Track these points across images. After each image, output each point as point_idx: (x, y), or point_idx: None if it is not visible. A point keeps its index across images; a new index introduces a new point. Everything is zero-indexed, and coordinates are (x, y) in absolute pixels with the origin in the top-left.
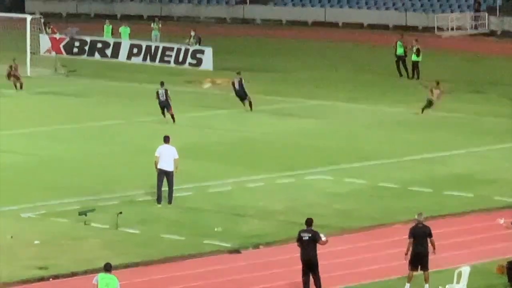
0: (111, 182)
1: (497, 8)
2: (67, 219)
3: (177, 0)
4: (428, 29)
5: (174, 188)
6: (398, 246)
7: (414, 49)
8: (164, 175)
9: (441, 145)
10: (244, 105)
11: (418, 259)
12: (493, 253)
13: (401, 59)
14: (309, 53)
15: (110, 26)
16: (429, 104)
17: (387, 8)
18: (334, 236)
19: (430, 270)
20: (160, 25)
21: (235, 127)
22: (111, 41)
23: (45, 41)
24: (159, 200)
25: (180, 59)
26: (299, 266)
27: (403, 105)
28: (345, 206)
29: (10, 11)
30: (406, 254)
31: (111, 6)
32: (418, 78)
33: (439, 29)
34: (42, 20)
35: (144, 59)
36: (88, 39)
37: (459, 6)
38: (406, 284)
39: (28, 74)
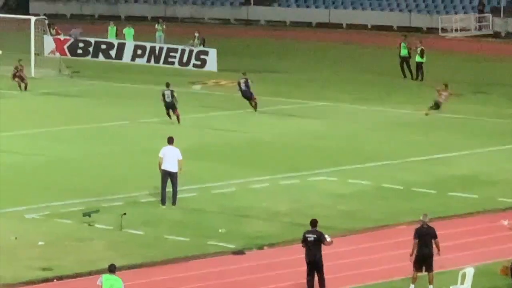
0: (115, 183)
1: (501, 9)
2: (71, 220)
3: (181, 2)
4: (432, 30)
5: (178, 189)
6: (402, 247)
7: (418, 50)
8: (168, 176)
9: (445, 146)
10: (251, 105)
11: (423, 260)
12: (497, 254)
13: (405, 60)
14: (313, 54)
15: (114, 27)
16: (437, 106)
17: (391, 9)
18: (338, 237)
19: (434, 271)
20: (164, 26)
21: (239, 128)
22: (115, 42)
23: (49, 42)
24: (163, 201)
25: (184, 60)
26: (304, 267)
27: (407, 106)
28: (349, 207)
29: (14, 12)
30: (411, 255)
31: (115, 7)
32: (422, 79)
33: (443, 30)
34: (46, 21)
35: (148, 60)
36: (92, 40)
37: (463, 8)
38: (411, 285)
39: (32, 75)
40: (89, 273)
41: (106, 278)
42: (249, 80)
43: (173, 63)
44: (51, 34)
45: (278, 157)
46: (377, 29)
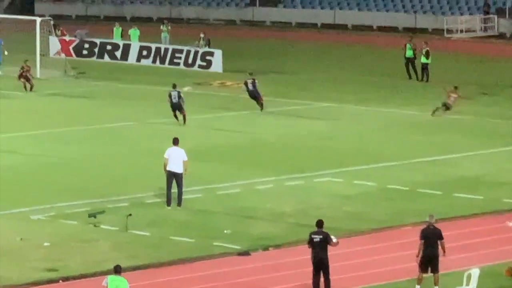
0: (120, 184)
1: (507, 10)
2: (76, 221)
3: (187, 3)
4: (437, 32)
5: (183, 190)
6: (407, 248)
7: (424, 51)
8: (173, 177)
9: (451, 147)
10: (258, 105)
11: (429, 261)
12: (503, 255)
13: (410, 61)
14: (319, 55)
15: (120, 28)
16: (446, 108)
17: (396, 10)
18: (343, 238)
19: (439, 272)
20: (169, 27)
21: (244, 129)
22: (121, 43)
23: (54, 43)
24: (168, 202)
25: (190, 61)
26: (309, 268)
27: (413, 107)
28: (354, 208)
29: (20, 13)
30: (417, 256)
31: (120, 8)
32: (427, 80)
33: (449, 31)
34: (52, 22)
35: (154, 61)
36: (97, 41)
37: (468, 9)
38: (416, 286)
39: (38, 76)
40: (95, 274)
41: (111, 279)
42: (256, 80)
43: (178, 64)
44: (56, 35)
45: (283, 158)
46: (382, 30)
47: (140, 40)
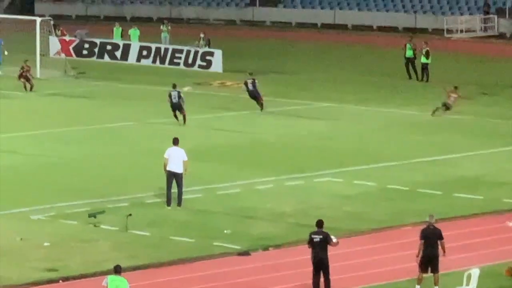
0: (120, 184)
1: (507, 10)
2: (76, 221)
3: (187, 3)
4: (437, 32)
5: (183, 190)
6: (407, 248)
7: (424, 51)
8: (173, 177)
9: (451, 147)
10: (258, 105)
11: (429, 261)
12: (503, 255)
13: (410, 61)
14: (319, 55)
15: (120, 28)
16: (446, 108)
17: (396, 10)
18: (343, 238)
19: (439, 272)
20: (169, 27)
21: (244, 129)
22: (121, 43)
23: (54, 43)
24: (168, 202)
25: (190, 61)
26: (309, 268)
27: (413, 107)
28: (354, 208)
29: (20, 13)
30: (417, 256)
31: (120, 8)
32: (427, 80)
33: (449, 31)
34: (52, 22)
35: (154, 61)
36: (97, 41)
37: (468, 9)
38: (416, 286)
39: (38, 76)
40: (95, 274)
41: (111, 279)
42: (256, 80)
43: (178, 64)
44: (56, 35)
45: (283, 158)
46: (382, 30)
47: (140, 40)
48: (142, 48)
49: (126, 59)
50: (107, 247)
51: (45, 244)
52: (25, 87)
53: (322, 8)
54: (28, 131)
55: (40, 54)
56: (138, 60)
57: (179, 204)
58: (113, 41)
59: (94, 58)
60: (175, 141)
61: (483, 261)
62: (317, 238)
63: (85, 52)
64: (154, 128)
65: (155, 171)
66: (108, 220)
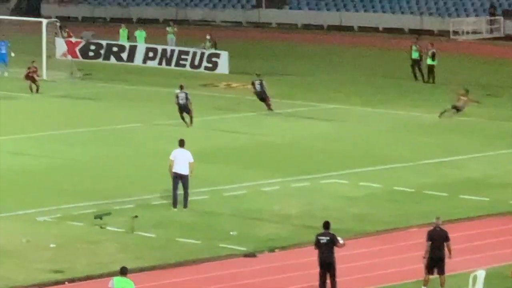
0: (126, 185)
1: None
2: (83, 223)
3: (193, 4)
4: (443, 33)
5: (189, 191)
6: (413, 250)
7: (430, 53)
8: (179, 179)
9: (457, 149)
10: (266, 106)
11: (435, 262)
12: (509, 257)
13: (416, 63)
14: (325, 57)
15: (126, 30)
16: (456, 110)
17: (402, 12)
18: (349, 240)
19: (445, 274)
20: (175, 29)
21: (250, 131)
22: (127, 44)
23: (61, 45)
24: (174, 204)
25: (196, 62)
26: (315, 270)
27: (419, 109)
28: (360, 210)
29: (26, 15)
30: (424, 257)
31: (127, 10)
32: (433, 82)
33: (455, 33)
34: (58, 24)
35: (160, 63)
36: (104, 42)
37: (474, 10)
38: (422, 287)
39: (44, 78)
40: (101, 276)
41: (117, 280)
42: (263, 81)
43: (184, 65)
44: (62, 37)
45: (289, 159)
46: (388, 32)
47: (146, 41)
48: (148, 50)
49: (132, 61)
50: (113, 249)
51: (51, 245)
52: (31, 88)
53: (328, 9)
54: (34, 133)
55: (46, 56)
56: (144, 61)
57: (185, 205)
58: (119, 42)
59: (100, 60)
60: (181, 143)
61: (489, 263)
62: (323, 239)
63: (91, 53)
64: (160, 130)
65: (161, 173)
66: (114, 222)
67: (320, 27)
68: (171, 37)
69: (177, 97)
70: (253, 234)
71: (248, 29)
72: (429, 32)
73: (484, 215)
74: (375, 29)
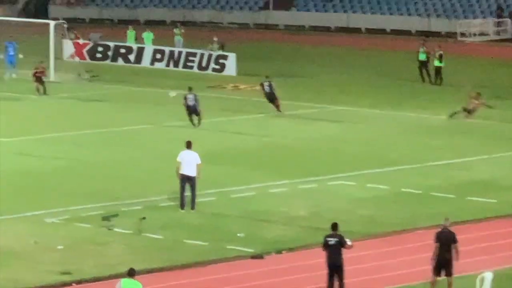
0: (134, 187)
1: None
2: (90, 224)
3: (200, 6)
4: (450, 35)
5: (197, 193)
6: (421, 252)
7: (437, 55)
8: (187, 181)
9: (464, 150)
10: (275, 107)
11: (442, 264)
12: None
13: (423, 65)
14: (332, 58)
15: (134, 32)
16: (467, 112)
17: (410, 14)
18: (357, 242)
19: (453, 276)
20: (183, 31)
21: (257, 132)
22: (135, 46)
23: (68, 47)
24: (182, 205)
25: (204, 64)
26: (323, 271)
27: (426, 110)
28: (368, 211)
29: (34, 16)
30: (432, 259)
31: (134, 11)
32: (441, 83)
33: (462, 34)
34: (66, 26)
35: (167, 64)
36: (111, 44)
37: (481, 12)
38: None
39: (52, 79)
40: (108, 277)
41: (125, 282)
42: (272, 83)
43: (192, 67)
44: (70, 39)
45: (296, 161)
46: (395, 34)
47: (153, 43)
48: (155, 52)
49: (140, 62)
50: (120, 250)
51: (59, 247)
52: (38, 90)
53: (335, 11)
54: (42, 134)
55: (54, 57)
56: (152, 63)
57: (192, 207)
58: (127, 44)
59: (108, 61)
60: (188, 145)
61: (497, 264)
62: (332, 240)
63: (99, 55)
64: (168, 131)
65: (169, 174)
66: (122, 223)
67: (327, 29)
68: (178, 39)
69: (186, 98)
70: (261, 236)
71: (256, 31)
72: (437, 34)
73: (492, 217)
74: (383, 31)
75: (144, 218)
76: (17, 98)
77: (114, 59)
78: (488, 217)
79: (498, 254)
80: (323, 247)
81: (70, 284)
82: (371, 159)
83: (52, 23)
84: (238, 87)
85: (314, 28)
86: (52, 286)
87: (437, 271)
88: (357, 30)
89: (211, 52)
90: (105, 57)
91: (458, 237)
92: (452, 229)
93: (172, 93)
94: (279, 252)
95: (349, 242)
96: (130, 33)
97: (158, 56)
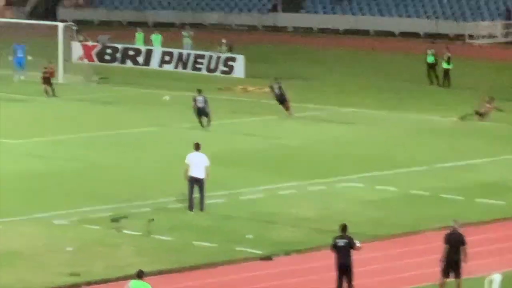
0: (143, 189)
1: None
2: (99, 226)
3: (209, 8)
4: (459, 37)
5: (205, 195)
6: (429, 254)
7: (445, 57)
8: (195, 183)
9: (473, 152)
10: (285, 109)
11: (451, 266)
12: None
13: (431, 67)
14: (341, 60)
15: (142, 34)
16: (480, 116)
17: (418, 16)
18: (365, 243)
19: (461, 278)
20: (191, 33)
21: (266, 134)
22: (143, 48)
23: (77, 49)
24: (191, 207)
25: (212, 66)
26: (332, 273)
27: (434, 112)
28: (376, 213)
29: (42, 18)
30: (441, 260)
31: (143, 14)
32: (449, 85)
33: (470, 37)
34: (74, 28)
35: (176, 66)
36: (120, 46)
37: (490, 14)
38: None
39: (61, 81)
40: (117, 279)
41: (134, 284)
42: (281, 85)
43: (200, 69)
44: (79, 41)
45: (305, 163)
46: (404, 36)
47: (162, 45)
48: (164, 54)
49: (148, 65)
50: (129, 252)
51: (68, 249)
52: (46, 92)
53: (343, 13)
54: (50, 137)
55: (63, 60)
56: (160, 65)
57: (201, 209)
58: (135, 46)
59: (116, 64)
60: (197, 146)
61: (505, 266)
62: (341, 242)
63: (107, 57)
64: (176, 133)
65: (178, 176)
66: (130, 225)
67: (336, 31)
68: (187, 41)
69: (195, 100)
70: (269, 238)
71: (264, 33)
72: (445, 36)
73: (500, 219)
74: (391, 33)
75: (153, 219)
76: (26, 100)
77: (122, 61)
78: (497, 219)
79: (507, 256)
80: (332, 248)
81: (79, 286)
82: (379, 161)
83: (60, 25)
84: (247, 89)
85: (323, 30)
86: (61, 287)
87: (445, 272)
88: (365, 32)
89: (220, 54)
90: (113, 59)
91: (466, 239)
92: (461, 230)
93: (166, 97)
94: (287, 253)
95: (358, 244)
96: (139, 35)
97: (167, 58)
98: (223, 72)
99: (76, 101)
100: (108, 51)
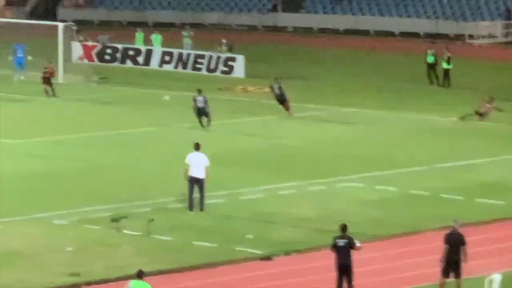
0: (143, 189)
1: None
2: (99, 226)
3: (209, 8)
4: (459, 37)
5: (205, 195)
6: (429, 254)
7: (445, 57)
8: (195, 183)
9: (473, 152)
10: (285, 109)
11: (451, 266)
12: None
13: (431, 67)
14: (341, 60)
15: (142, 34)
16: (480, 116)
17: (418, 16)
18: (365, 243)
19: (461, 278)
20: (191, 33)
21: (266, 134)
22: (143, 48)
23: (77, 49)
24: (191, 207)
25: (212, 66)
26: (331, 273)
27: (434, 112)
28: (376, 213)
29: (42, 18)
30: (441, 260)
31: (143, 14)
32: (449, 85)
33: (470, 37)
34: (74, 28)
35: (176, 66)
36: (120, 46)
37: (490, 14)
38: None
39: (60, 81)
40: (117, 279)
41: (134, 284)
42: (281, 85)
43: (200, 69)
44: (79, 41)
45: (305, 163)
46: (404, 36)
47: (162, 45)
48: (164, 54)
49: (148, 65)
50: (129, 252)
51: (68, 249)
52: (46, 92)
53: (343, 13)
54: (50, 137)
55: (63, 59)
56: (160, 65)
57: (201, 209)
58: (135, 46)
59: (116, 64)
60: (197, 146)
61: (505, 266)
62: (341, 242)
63: (107, 57)
64: (177, 133)
65: (178, 176)
66: (130, 225)
67: (336, 31)
68: (187, 41)
69: (196, 100)
70: (269, 237)
71: (264, 33)
72: (445, 36)
73: (500, 219)
74: (391, 33)
75: (153, 219)
76: (26, 100)
77: (122, 61)
78: (497, 219)
79: (507, 256)
80: (332, 248)
81: (79, 285)
82: (379, 161)
83: (60, 25)
84: (247, 89)
85: (323, 30)
86: (61, 287)
87: (445, 272)
88: (365, 32)
89: (220, 54)
90: (113, 59)
91: (466, 239)
92: (461, 230)
93: (166, 97)
94: (287, 253)
95: (358, 244)
96: (139, 35)
97: (167, 58)
98: (223, 72)
99: (76, 101)
100: (108, 51)
